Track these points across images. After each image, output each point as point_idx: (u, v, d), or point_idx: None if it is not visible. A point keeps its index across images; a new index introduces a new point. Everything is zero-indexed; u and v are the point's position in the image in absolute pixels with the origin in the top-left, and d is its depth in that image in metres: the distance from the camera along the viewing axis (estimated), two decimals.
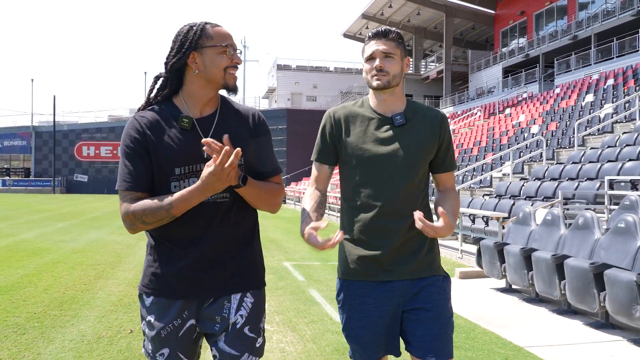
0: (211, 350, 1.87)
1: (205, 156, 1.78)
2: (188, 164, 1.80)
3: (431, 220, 2.01)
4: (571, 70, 25.85)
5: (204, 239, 1.81)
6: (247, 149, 1.85)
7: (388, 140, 2.01)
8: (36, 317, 4.89)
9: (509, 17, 35.75)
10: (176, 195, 1.73)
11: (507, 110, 25.51)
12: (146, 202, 1.75)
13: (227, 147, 1.63)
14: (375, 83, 2.02)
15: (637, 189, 8.32)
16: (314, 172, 2.19)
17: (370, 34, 2.07)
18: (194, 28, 1.84)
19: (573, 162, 10.94)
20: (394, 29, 2.06)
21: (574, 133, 13.21)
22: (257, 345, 1.89)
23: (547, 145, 14.43)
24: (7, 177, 44.84)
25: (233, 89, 1.88)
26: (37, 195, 37.35)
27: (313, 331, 4.63)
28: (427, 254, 2.03)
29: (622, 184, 8.64)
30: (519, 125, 20.38)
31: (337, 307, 2.12)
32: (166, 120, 1.83)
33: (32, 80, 48.74)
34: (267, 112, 39.31)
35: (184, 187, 1.77)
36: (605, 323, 4.97)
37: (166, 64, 1.86)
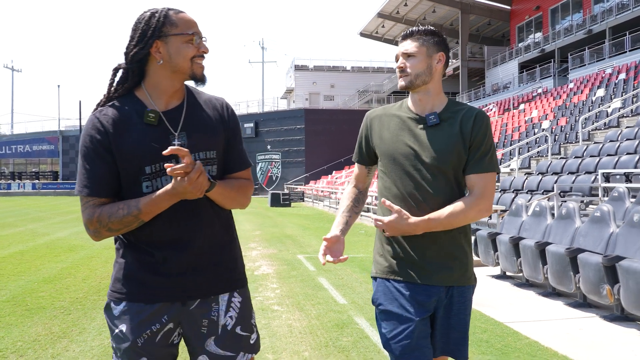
0: (196, 357, 1.79)
1: None
2: (159, 161, 1.68)
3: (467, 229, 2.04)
4: (585, 65, 25.98)
5: (183, 239, 1.73)
6: (218, 140, 1.80)
7: (420, 140, 1.98)
8: (78, 301, 5.63)
9: (524, 12, 35.82)
10: (144, 199, 1.64)
11: (522, 106, 25.76)
12: (112, 208, 1.65)
13: (198, 162, 1.58)
14: (399, 84, 2.04)
15: (630, 182, 8.77)
16: (354, 171, 2.26)
17: (400, 36, 2.10)
18: (157, 14, 1.71)
19: (575, 157, 11.37)
20: (424, 27, 2.04)
21: (581, 128, 13.57)
22: (252, 342, 1.86)
23: (554, 140, 14.82)
24: (37, 181, 46.41)
25: (201, 79, 1.77)
26: (66, 197, 38.67)
27: (318, 311, 5.27)
28: (462, 261, 2.00)
29: (618, 176, 9.09)
30: (531, 121, 20.70)
31: (375, 314, 2.06)
32: (130, 116, 1.70)
33: (59, 86, 50.47)
34: (286, 112, 40.00)
35: (157, 186, 1.69)
36: (582, 302, 5.50)
37: (126, 54, 1.72)
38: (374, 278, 2.07)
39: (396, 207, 1.90)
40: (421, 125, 2.00)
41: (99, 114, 1.71)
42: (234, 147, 1.85)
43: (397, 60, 2.06)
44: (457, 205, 1.94)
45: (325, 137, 36.75)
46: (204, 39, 1.76)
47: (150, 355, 1.72)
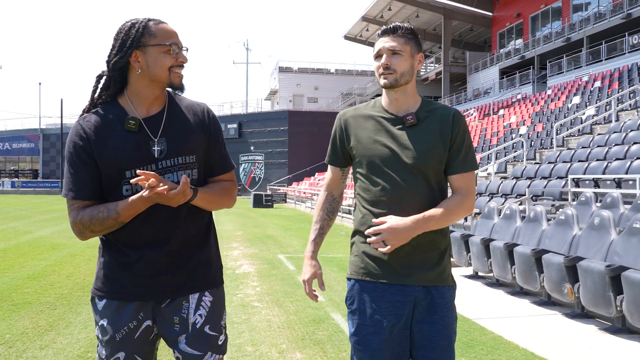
0: (174, 352, 1.87)
1: (157, 156, 1.79)
2: (138, 166, 1.75)
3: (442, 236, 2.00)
4: (563, 72, 26.59)
5: (159, 241, 1.79)
6: (198, 145, 1.85)
7: (398, 140, 1.95)
8: (63, 297, 5.79)
9: (505, 19, 36.46)
10: (122, 203, 1.71)
11: (501, 111, 26.27)
12: (93, 211, 1.73)
13: (182, 181, 1.66)
14: (382, 81, 1.97)
15: (598, 187, 9.15)
16: (327, 174, 2.21)
17: (380, 31, 2.02)
18: (137, 25, 1.77)
19: (549, 162, 11.76)
20: (406, 25, 1.99)
21: (556, 134, 14.00)
22: (220, 342, 1.89)
23: (530, 146, 15.25)
24: (16, 179, 45.91)
25: (179, 88, 1.83)
26: (46, 196, 38.34)
27: (296, 307, 5.50)
28: (439, 262, 1.96)
29: (587, 182, 9.47)
30: (510, 126, 21.17)
31: (347, 312, 2.05)
32: (111, 123, 1.77)
33: (40, 83, 49.89)
34: (269, 113, 40.18)
35: (136, 189, 1.76)
36: (547, 301, 5.81)
37: (108, 62, 1.79)
38: (349, 279, 2.05)
39: (386, 217, 1.88)
40: (399, 126, 1.97)
41: (82, 121, 1.79)
42: (215, 150, 1.90)
43: (379, 55, 1.99)
44: (450, 203, 1.94)
45: (309, 139, 37.00)
46: (184, 48, 1.82)
47: (127, 350, 1.80)
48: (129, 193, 1.76)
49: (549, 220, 6.60)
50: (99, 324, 1.82)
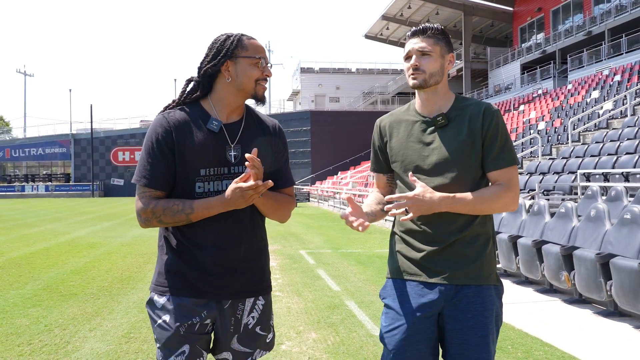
0: (220, 352, 1.94)
1: (232, 161, 1.87)
2: (213, 166, 1.85)
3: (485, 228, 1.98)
4: (583, 67, 26.51)
5: (230, 244, 1.88)
6: (266, 159, 1.93)
7: (429, 142, 1.97)
8: (105, 289, 6.42)
9: (526, 13, 36.27)
10: (198, 202, 1.80)
11: (522, 107, 26.34)
12: (168, 203, 1.81)
13: (259, 182, 1.73)
14: (411, 82, 2.00)
15: (608, 181, 9.44)
16: (374, 180, 2.26)
17: (409, 32, 2.04)
18: (231, 38, 1.90)
19: (563, 157, 12.03)
20: (436, 25, 2.00)
21: (571, 129, 14.22)
22: (268, 340, 2.01)
23: (547, 141, 15.47)
24: (49, 183, 47.47)
25: (261, 100, 1.94)
26: (78, 199, 39.68)
27: (314, 296, 6.02)
28: (475, 262, 1.93)
29: (597, 176, 9.76)
30: (529, 122, 21.32)
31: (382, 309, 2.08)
32: (194, 121, 1.87)
33: (70, 90, 51.59)
34: (292, 114, 40.80)
35: (208, 189, 1.85)
36: (549, 289, 6.21)
37: (199, 68, 1.92)
38: (387, 278, 2.10)
39: (421, 182, 1.88)
40: (430, 128, 1.99)
41: (167, 114, 1.89)
42: (280, 165, 2.01)
43: (408, 57, 2.02)
44: (484, 191, 1.92)
45: (331, 138, 37.52)
46: (269, 64, 1.94)
47: (191, 342, 1.84)
48: (201, 190, 1.84)
49: (552, 213, 6.98)
50: (158, 322, 1.85)
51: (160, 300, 1.87)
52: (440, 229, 1.93)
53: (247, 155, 1.72)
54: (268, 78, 1.93)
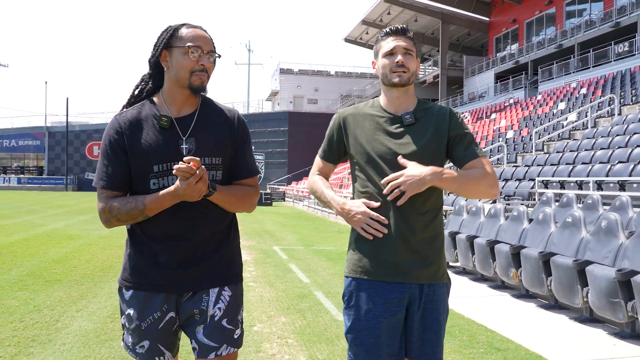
0: (191, 342, 1.95)
1: (184, 154, 1.85)
2: (166, 162, 1.85)
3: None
4: (553, 78, 27.49)
5: (183, 235, 1.88)
6: (225, 148, 1.92)
7: (397, 139, 2.00)
8: (87, 276, 6.79)
9: (502, 24, 37.28)
10: (149, 197, 1.81)
11: (493, 115, 27.19)
12: (122, 201, 1.84)
13: (201, 168, 1.72)
14: (396, 79, 2.00)
15: (564, 188, 10.12)
16: (318, 165, 2.24)
17: (388, 30, 2.06)
18: (171, 27, 1.90)
19: (525, 165, 12.73)
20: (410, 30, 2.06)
21: (535, 139, 14.96)
22: (235, 336, 1.95)
23: (514, 150, 16.21)
24: (22, 175, 46.85)
25: (197, 90, 1.88)
26: (51, 192, 39.34)
27: (285, 286, 6.49)
28: (435, 260, 2.00)
29: (554, 183, 10.45)
30: (498, 130, 22.12)
31: (342, 307, 2.07)
32: (146, 119, 1.88)
33: (46, 82, 51.03)
34: (270, 114, 41.18)
35: (163, 184, 1.85)
36: (500, 285, 6.78)
37: (148, 60, 1.95)
38: (347, 277, 2.06)
39: (409, 161, 1.93)
40: (397, 125, 2.02)
41: (119, 116, 1.92)
42: (241, 155, 1.99)
43: (392, 54, 2.03)
44: (472, 171, 1.97)
45: (308, 139, 37.92)
46: (211, 54, 1.89)
47: (152, 339, 1.90)
48: (156, 187, 1.86)
49: (506, 217, 7.57)
50: (126, 312, 1.93)
51: (127, 293, 1.93)
52: (403, 227, 1.94)
53: (185, 159, 1.72)
54: (205, 68, 1.87)
